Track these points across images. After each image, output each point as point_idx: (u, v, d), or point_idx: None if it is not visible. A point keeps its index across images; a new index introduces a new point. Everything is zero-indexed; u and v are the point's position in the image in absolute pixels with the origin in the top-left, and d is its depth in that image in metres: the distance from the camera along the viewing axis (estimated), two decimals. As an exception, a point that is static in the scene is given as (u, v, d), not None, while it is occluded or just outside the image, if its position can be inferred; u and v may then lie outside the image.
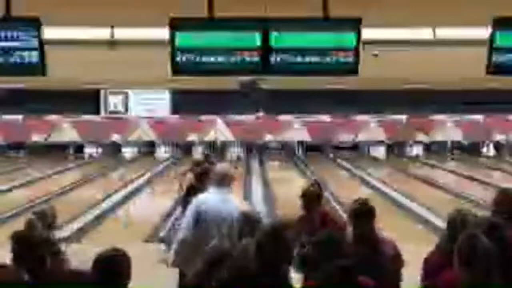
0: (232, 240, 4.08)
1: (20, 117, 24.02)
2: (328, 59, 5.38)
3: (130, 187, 15.43)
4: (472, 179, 16.90)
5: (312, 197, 4.80)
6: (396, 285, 3.96)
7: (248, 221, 3.90)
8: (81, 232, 9.91)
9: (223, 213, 4.74)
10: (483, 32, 5.96)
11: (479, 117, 24.62)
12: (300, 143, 24.87)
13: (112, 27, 9.32)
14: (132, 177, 17.34)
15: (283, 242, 3.15)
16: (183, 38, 5.33)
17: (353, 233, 3.99)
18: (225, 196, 4.95)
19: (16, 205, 11.92)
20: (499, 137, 24.80)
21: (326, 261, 3.13)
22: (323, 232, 3.53)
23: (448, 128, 24.84)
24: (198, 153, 22.64)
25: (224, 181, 4.98)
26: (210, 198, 4.97)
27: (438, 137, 24.96)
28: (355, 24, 5.37)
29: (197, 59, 5.33)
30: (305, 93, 21.45)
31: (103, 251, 3.20)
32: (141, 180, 16.80)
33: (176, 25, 5.34)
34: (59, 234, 4.75)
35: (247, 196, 13.40)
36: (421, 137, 24.84)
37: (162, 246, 8.00)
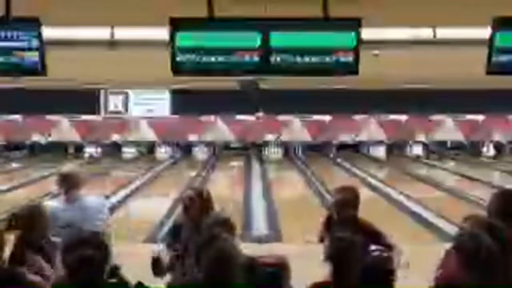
0: None
1: (20, 117, 24.04)
2: (328, 59, 5.37)
3: (130, 187, 15.41)
4: (472, 179, 16.90)
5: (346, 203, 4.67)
6: None
7: None
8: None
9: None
10: (483, 32, 5.95)
11: (479, 117, 24.62)
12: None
13: (112, 27, 9.31)
14: (132, 177, 17.33)
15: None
16: (183, 38, 5.33)
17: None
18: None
19: (16, 205, 11.89)
20: (499, 137, 24.81)
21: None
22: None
23: (448, 128, 24.84)
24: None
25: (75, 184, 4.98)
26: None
27: (438, 137, 24.96)
28: (355, 24, 5.37)
29: (197, 59, 5.33)
30: (305, 93, 21.45)
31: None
32: (141, 180, 16.79)
33: (176, 25, 5.34)
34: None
35: (247, 196, 13.39)
36: (421, 137, 24.84)
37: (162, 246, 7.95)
